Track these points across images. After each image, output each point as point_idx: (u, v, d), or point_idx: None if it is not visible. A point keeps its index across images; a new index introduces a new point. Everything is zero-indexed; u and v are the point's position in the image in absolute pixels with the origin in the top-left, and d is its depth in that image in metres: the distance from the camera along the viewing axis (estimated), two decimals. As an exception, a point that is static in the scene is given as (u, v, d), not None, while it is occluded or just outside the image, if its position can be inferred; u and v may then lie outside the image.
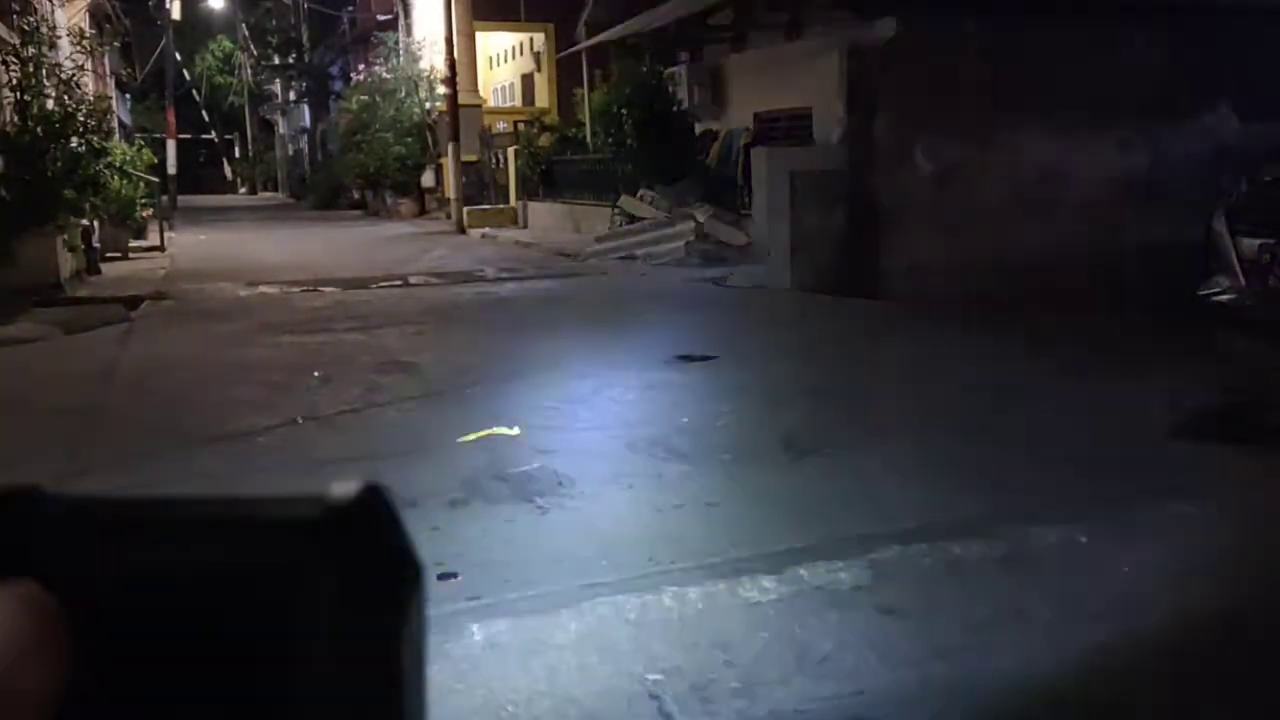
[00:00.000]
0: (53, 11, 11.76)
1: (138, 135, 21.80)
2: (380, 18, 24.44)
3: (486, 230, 15.94)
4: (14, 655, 0.29)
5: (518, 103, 23.60)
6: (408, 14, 23.26)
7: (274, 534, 0.33)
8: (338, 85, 29.39)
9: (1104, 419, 4.70)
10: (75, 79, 10.52)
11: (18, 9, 10.40)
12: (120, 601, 0.31)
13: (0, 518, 0.32)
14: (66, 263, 10.00)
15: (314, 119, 33.39)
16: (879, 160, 8.66)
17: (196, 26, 37.92)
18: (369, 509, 0.33)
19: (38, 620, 0.30)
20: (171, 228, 16.76)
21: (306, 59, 32.80)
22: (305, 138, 35.61)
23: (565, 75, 18.25)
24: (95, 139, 10.71)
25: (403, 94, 21.63)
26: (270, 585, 0.31)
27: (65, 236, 9.93)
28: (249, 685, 0.31)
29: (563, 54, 17.14)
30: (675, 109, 11.75)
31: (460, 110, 17.22)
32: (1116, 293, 8.68)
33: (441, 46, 17.75)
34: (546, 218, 15.51)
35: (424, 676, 0.34)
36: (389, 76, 22.27)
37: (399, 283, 10.11)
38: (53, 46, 10.70)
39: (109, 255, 12.21)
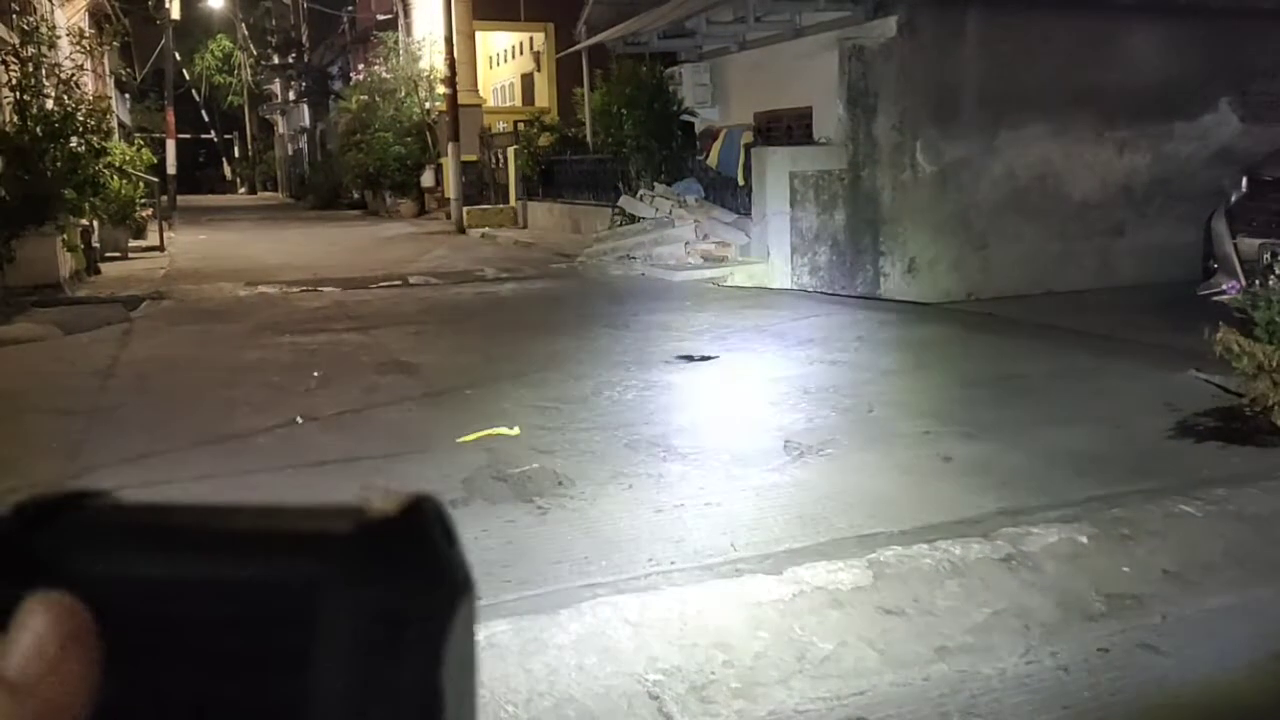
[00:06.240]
0: (52, 11, 11.76)
1: (137, 135, 21.76)
2: (380, 17, 24.42)
3: (486, 230, 15.92)
4: (46, 665, 0.30)
5: (517, 102, 23.60)
6: (407, 13, 23.24)
7: (316, 544, 0.32)
8: (337, 85, 29.34)
9: (1105, 418, 4.70)
10: (75, 79, 10.52)
11: (17, 9, 10.40)
12: (153, 610, 0.31)
13: (32, 525, 0.32)
14: (66, 263, 9.99)
15: (314, 119, 33.35)
16: (879, 160, 8.66)
17: (196, 26, 37.92)
18: (414, 521, 0.32)
19: (70, 631, 0.30)
20: (171, 227, 16.76)
21: (306, 58, 32.76)
22: (305, 137, 35.55)
23: (565, 75, 18.23)
24: (95, 139, 10.71)
25: (402, 94, 21.61)
26: (309, 597, 0.30)
27: (64, 236, 9.92)
28: (285, 699, 0.30)
29: (562, 54, 17.12)
30: (675, 109, 11.73)
31: (460, 110, 17.19)
32: (1116, 292, 8.69)
33: (441, 46, 17.72)
34: (546, 218, 15.50)
35: (474, 696, 0.33)
36: (389, 76, 22.23)
37: (398, 283, 10.10)
38: (52, 46, 10.69)
39: (108, 255, 12.22)
